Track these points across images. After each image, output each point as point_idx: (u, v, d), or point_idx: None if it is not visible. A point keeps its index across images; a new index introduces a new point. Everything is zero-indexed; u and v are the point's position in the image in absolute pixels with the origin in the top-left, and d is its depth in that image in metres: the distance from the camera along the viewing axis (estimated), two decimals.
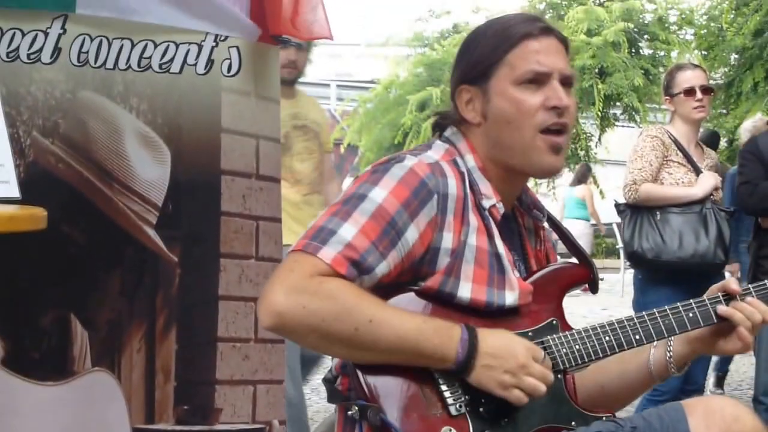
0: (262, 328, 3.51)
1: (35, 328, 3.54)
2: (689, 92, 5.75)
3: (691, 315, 2.63)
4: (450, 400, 2.40)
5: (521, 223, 2.76)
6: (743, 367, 9.67)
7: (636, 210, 5.72)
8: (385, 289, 2.45)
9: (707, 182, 5.67)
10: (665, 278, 5.63)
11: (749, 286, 2.70)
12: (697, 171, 5.73)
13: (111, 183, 3.62)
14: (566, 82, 2.59)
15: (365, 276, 2.39)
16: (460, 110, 2.65)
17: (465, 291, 2.47)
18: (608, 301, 15.64)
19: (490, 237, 2.53)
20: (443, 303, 2.48)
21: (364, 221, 2.40)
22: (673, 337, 2.68)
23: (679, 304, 2.65)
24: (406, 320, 2.38)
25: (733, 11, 9.91)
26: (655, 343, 2.71)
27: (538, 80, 2.55)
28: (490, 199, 2.56)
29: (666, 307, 2.65)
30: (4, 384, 3.41)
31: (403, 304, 2.46)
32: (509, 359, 2.37)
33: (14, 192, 3.40)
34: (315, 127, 5.97)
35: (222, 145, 3.89)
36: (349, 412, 2.43)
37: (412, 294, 2.49)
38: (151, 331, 3.78)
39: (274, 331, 2.40)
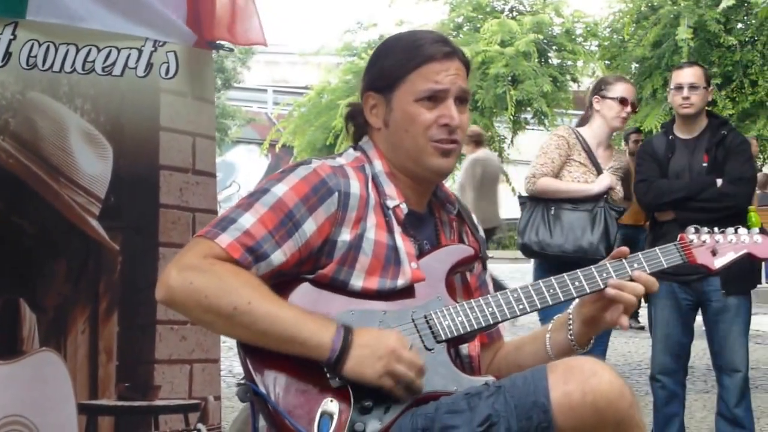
0: None
1: None
2: (622, 102, 5.72)
3: (577, 284, 2.63)
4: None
5: (438, 216, 2.80)
6: (642, 348, 9.82)
7: (534, 203, 5.71)
8: (284, 278, 2.47)
9: (604, 181, 5.68)
10: (552, 268, 5.60)
11: (638, 254, 2.68)
12: (599, 171, 5.74)
13: (57, 177, 3.64)
14: (461, 97, 2.65)
15: (261, 263, 2.41)
16: (366, 114, 2.71)
17: (357, 281, 2.50)
18: None
19: (390, 232, 2.58)
20: (336, 290, 2.50)
21: (263, 212, 2.44)
22: (572, 319, 2.69)
23: (565, 274, 2.64)
24: (285, 308, 2.39)
25: (634, 24, 10.05)
26: (550, 326, 2.75)
27: (435, 97, 2.61)
28: (394, 200, 2.61)
29: (552, 277, 2.63)
30: None
31: (298, 294, 2.47)
32: (380, 347, 2.37)
33: None
34: None
35: (160, 143, 3.92)
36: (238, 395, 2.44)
37: (307, 284, 2.50)
38: (95, 314, 3.80)
39: (165, 304, 2.42)
